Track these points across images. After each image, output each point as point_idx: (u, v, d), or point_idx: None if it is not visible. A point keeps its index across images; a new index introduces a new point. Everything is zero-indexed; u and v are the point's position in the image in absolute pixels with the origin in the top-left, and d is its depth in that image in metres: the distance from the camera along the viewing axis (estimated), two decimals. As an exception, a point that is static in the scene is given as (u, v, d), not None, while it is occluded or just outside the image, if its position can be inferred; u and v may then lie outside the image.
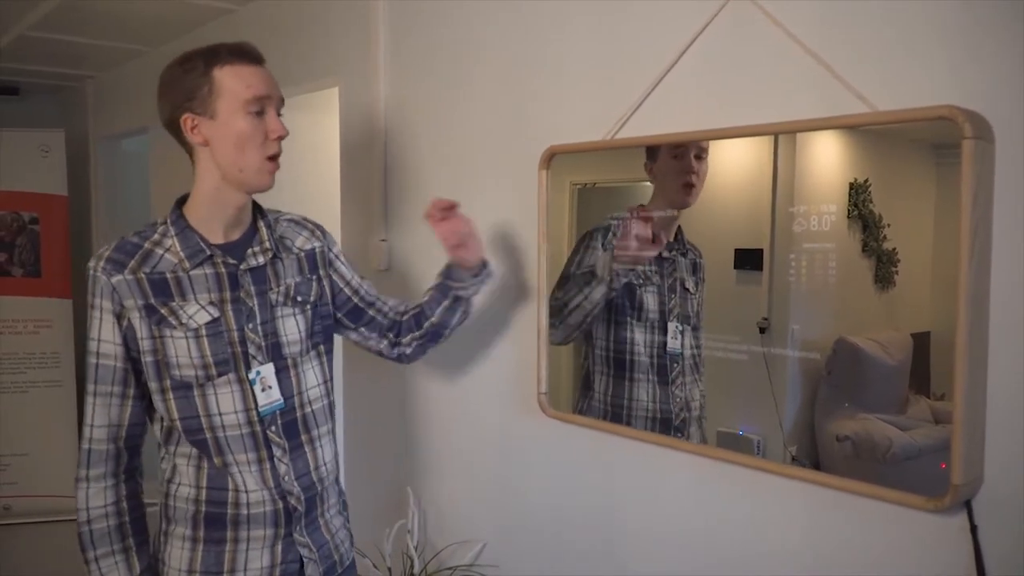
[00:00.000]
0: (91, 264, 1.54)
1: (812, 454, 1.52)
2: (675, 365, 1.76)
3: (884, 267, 1.41)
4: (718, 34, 1.58)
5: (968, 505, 1.27)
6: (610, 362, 1.85)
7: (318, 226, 1.78)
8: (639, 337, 1.80)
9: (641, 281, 1.79)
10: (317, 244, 1.74)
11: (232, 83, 1.50)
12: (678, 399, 1.76)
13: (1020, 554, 1.24)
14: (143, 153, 4.45)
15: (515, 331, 2.09)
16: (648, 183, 1.79)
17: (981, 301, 1.24)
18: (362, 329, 1.84)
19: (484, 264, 1.84)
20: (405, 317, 1.86)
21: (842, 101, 1.37)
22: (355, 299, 1.81)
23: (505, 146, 2.09)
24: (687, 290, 1.76)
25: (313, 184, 3.14)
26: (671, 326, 1.75)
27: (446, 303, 1.82)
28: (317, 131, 3.19)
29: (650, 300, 1.78)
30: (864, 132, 1.41)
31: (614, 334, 1.84)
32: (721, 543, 1.66)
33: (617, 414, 1.83)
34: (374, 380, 2.59)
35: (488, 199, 2.15)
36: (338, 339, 2.69)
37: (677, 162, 1.66)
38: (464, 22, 2.20)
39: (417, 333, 1.85)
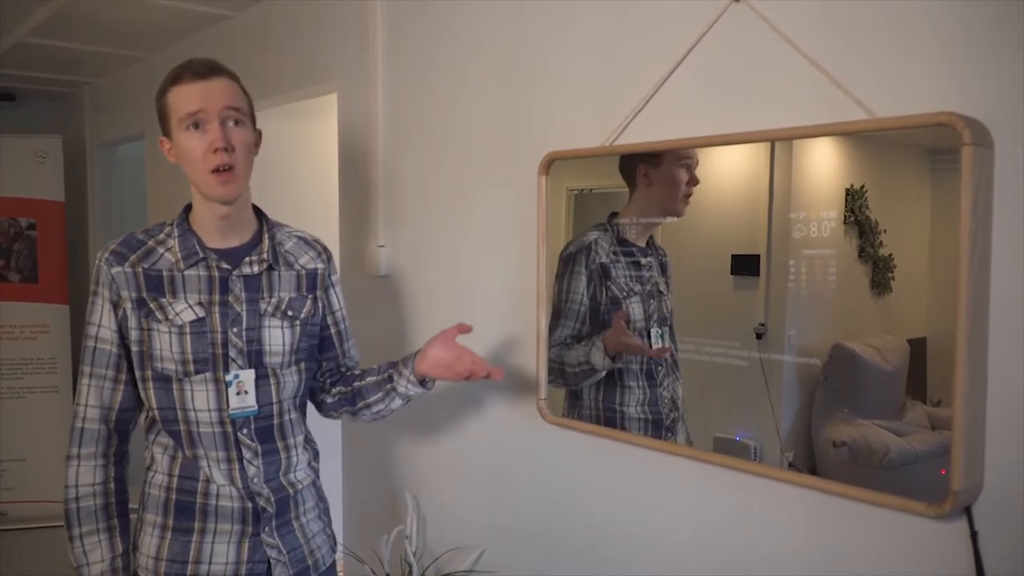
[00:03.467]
0: (98, 255, 1.62)
1: (809, 460, 1.52)
2: (659, 367, 1.78)
3: (880, 273, 1.42)
4: (717, 41, 1.59)
5: (968, 511, 1.27)
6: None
7: (326, 249, 1.83)
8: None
9: (625, 293, 1.81)
10: (320, 266, 1.78)
11: (173, 103, 1.58)
12: (665, 400, 1.78)
13: (1021, 560, 1.24)
14: (140, 159, 4.45)
15: (515, 337, 2.09)
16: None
17: (980, 306, 1.24)
18: (322, 362, 1.85)
19: (432, 381, 1.82)
20: (347, 371, 1.89)
21: (841, 107, 1.38)
22: (331, 330, 1.83)
23: (504, 152, 2.09)
24: (661, 292, 1.78)
25: (311, 190, 3.14)
26: (654, 332, 1.77)
27: (381, 378, 1.81)
28: (315, 137, 3.19)
29: (635, 310, 1.80)
30: (860, 138, 1.41)
31: None
32: (719, 549, 1.66)
33: (610, 419, 1.83)
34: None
35: (487, 205, 2.16)
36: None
37: (685, 173, 1.67)
38: (462, 28, 2.20)
39: (343, 388, 1.85)
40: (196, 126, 1.56)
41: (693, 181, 1.66)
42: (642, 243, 1.79)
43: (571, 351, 1.90)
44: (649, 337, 1.78)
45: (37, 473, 4.51)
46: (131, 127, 4.38)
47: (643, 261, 1.79)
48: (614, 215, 1.82)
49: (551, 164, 1.88)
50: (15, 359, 4.58)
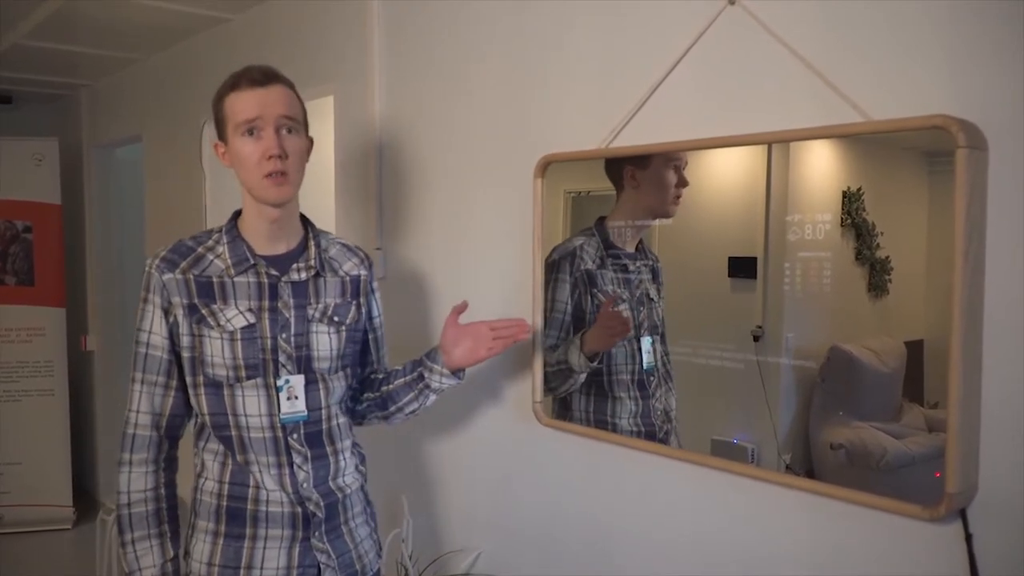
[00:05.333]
0: (148, 261, 1.64)
1: (806, 462, 1.52)
2: (651, 378, 1.77)
3: (877, 275, 1.42)
4: (713, 43, 1.59)
5: (963, 514, 1.27)
6: (589, 383, 1.85)
7: (368, 257, 1.84)
8: (617, 356, 1.80)
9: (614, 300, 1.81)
10: (364, 272, 1.80)
11: (231, 109, 1.60)
12: (658, 412, 1.77)
13: (1015, 563, 1.24)
14: (137, 161, 4.44)
15: (510, 339, 2.08)
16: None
17: (975, 309, 1.24)
18: (357, 368, 1.85)
19: (463, 369, 1.83)
20: (374, 376, 1.89)
21: (836, 110, 1.38)
22: (369, 336, 1.85)
23: (500, 155, 2.09)
24: (651, 299, 1.77)
25: (308, 192, 3.13)
26: (644, 341, 1.76)
27: (411, 379, 1.82)
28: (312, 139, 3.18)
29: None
30: (857, 140, 1.42)
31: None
32: (716, 551, 1.65)
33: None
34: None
35: (484, 207, 2.16)
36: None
37: (673, 173, 1.67)
38: (460, 31, 2.20)
39: (372, 394, 1.87)
40: (251, 133, 1.58)
41: (682, 182, 1.65)
42: (631, 248, 1.78)
43: (554, 354, 1.90)
44: (639, 347, 1.78)
45: (33, 477, 4.51)
46: (129, 129, 4.37)
47: (632, 267, 1.78)
48: (602, 219, 1.81)
49: (547, 166, 1.88)
50: (11, 362, 4.57)
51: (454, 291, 2.28)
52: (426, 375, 1.80)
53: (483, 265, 2.18)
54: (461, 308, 1.82)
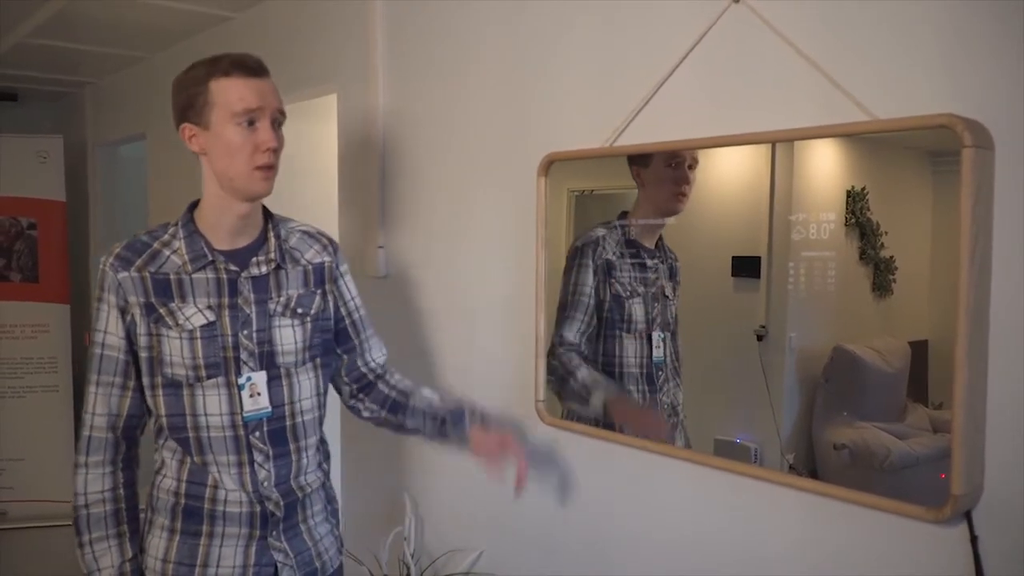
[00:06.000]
0: (102, 259, 1.60)
1: (809, 462, 1.52)
2: (660, 372, 1.77)
3: (882, 275, 1.41)
4: (717, 42, 1.59)
5: (968, 515, 1.26)
6: (601, 374, 1.85)
7: (331, 241, 1.79)
8: (628, 348, 1.80)
9: (628, 293, 1.80)
10: (327, 259, 1.75)
11: (225, 95, 1.54)
12: (665, 406, 1.77)
13: (1021, 565, 1.24)
14: (141, 159, 4.45)
15: (513, 339, 2.08)
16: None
17: (981, 309, 1.24)
18: (342, 355, 1.82)
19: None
20: (387, 389, 1.84)
21: (841, 109, 1.37)
22: (345, 321, 1.80)
23: (504, 153, 2.09)
24: (667, 297, 1.77)
25: (311, 190, 3.13)
26: (655, 336, 1.76)
27: (435, 420, 1.78)
28: (315, 138, 3.18)
29: (637, 311, 1.79)
30: (861, 140, 1.41)
31: (603, 347, 1.84)
32: (718, 551, 1.65)
33: (609, 423, 1.83)
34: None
35: (487, 206, 2.15)
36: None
37: (672, 171, 1.67)
38: (463, 29, 2.20)
39: (383, 413, 1.83)
40: (251, 123, 1.54)
41: (684, 179, 1.65)
42: (650, 244, 1.77)
43: (581, 369, 1.89)
44: (650, 341, 1.77)
45: (37, 472, 4.51)
46: (133, 127, 4.38)
47: (649, 263, 1.78)
48: (624, 214, 1.81)
49: (550, 165, 1.87)
50: (15, 358, 4.57)
51: (456, 289, 2.27)
52: (449, 431, 1.75)
53: (485, 263, 2.17)
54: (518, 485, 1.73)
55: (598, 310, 1.85)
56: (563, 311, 1.90)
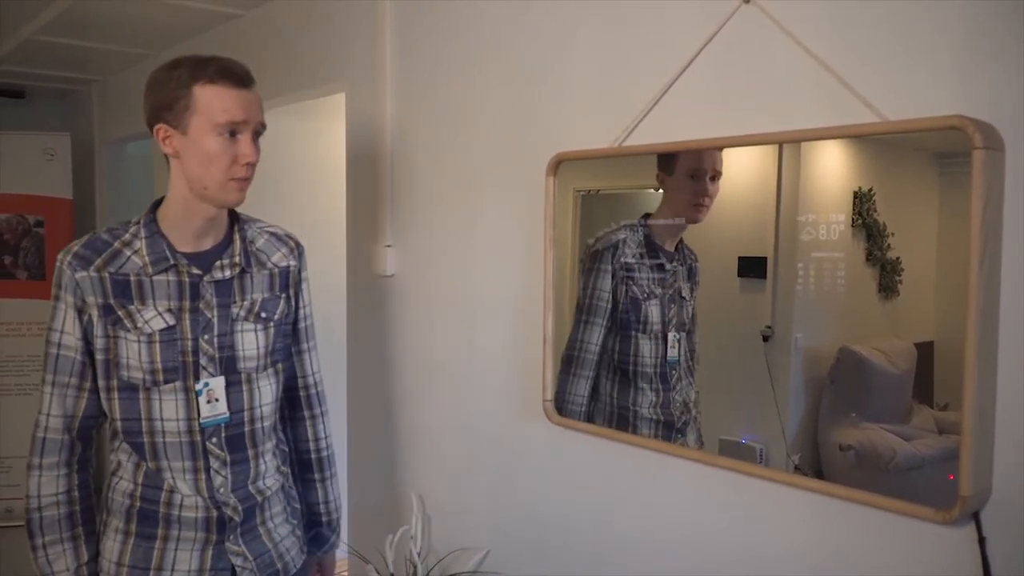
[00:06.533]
0: (59, 256, 1.56)
1: (815, 463, 1.52)
2: (674, 371, 1.77)
3: (888, 276, 1.41)
4: (727, 42, 1.59)
5: (976, 517, 1.26)
6: (616, 371, 1.86)
7: (298, 244, 1.77)
8: (644, 348, 1.81)
9: (646, 295, 1.80)
10: (292, 263, 1.73)
11: (209, 103, 1.50)
12: (678, 403, 1.78)
13: (1025, 565, 1.24)
14: (148, 157, 4.46)
15: (521, 338, 2.09)
16: (652, 191, 1.79)
17: (991, 311, 1.24)
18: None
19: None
20: (312, 443, 1.86)
21: (850, 110, 1.38)
22: (295, 327, 1.78)
23: (512, 152, 2.09)
24: (683, 298, 1.77)
25: (319, 189, 3.14)
26: (671, 336, 1.77)
27: (308, 515, 1.87)
28: (323, 137, 3.20)
29: (654, 312, 1.79)
30: (868, 140, 1.41)
31: (619, 346, 1.84)
32: (722, 551, 1.65)
33: (623, 418, 1.83)
34: (379, 385, 2.59)
35: (495, 205, 2.16)
36: (340, 337, 2.67)
37: (693, 183, 1.67)
38: (471, 29, 2.20)
39: (292, 455, 1.86)
40: (232, 134, 1.52)
41: (704, 191, 1.65)
42: (670, 247, 1.78)
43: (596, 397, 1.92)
44: (665, 341, 1.78)
45: (43, 470, 4.53)
46: (140, 125, 4.30)
47: (668, 265, 1.78)
48: (647, 216, 1.81)
49: (559, 165, 1.88)
50: (21, 355, 4.58)
51: (463, 288, 2.28)
52: (305, 533, 1.84)
53: (493, 263, 2.18)
54: None
55: (613, 311, 1.86)
56: (581, 313, 1.91)
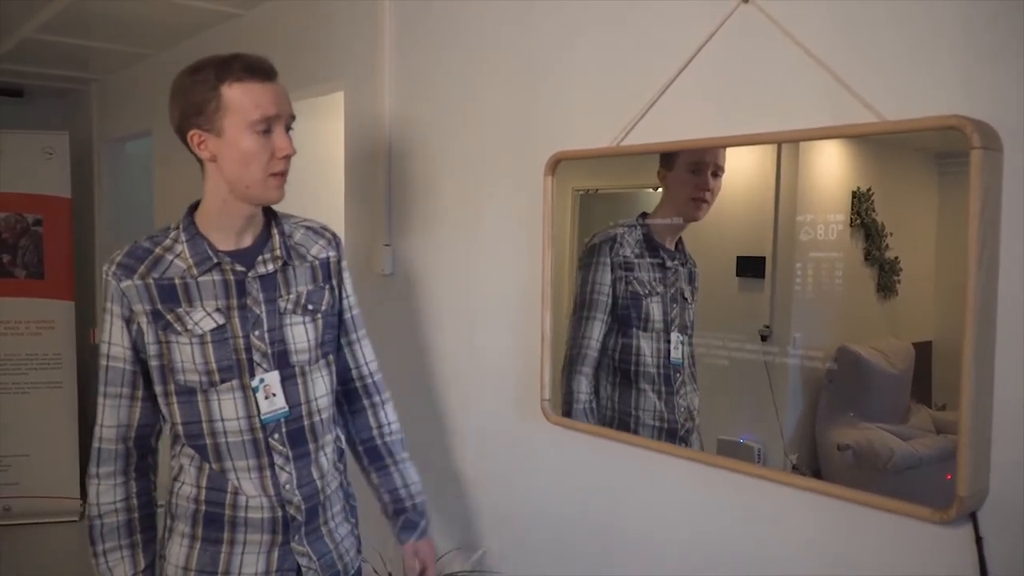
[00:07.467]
0: (104, 268, 1.56)
1: (813, 463, 1.52)
2: (678, 375, 1.77)
3: (886, 276, 1.41)
4: (726, 42, 1.59)
5: (974, 517, 1.26)
6: (616, 372, 1.85)
7: (335, 236, 1.77)
8: (645, 347, 1.80)
9: (647, 291, 1.80)
10: (332, 253, 1.72)
11: (240, 102, 1.49)
12: (682, 409, 1.77)
13: None
14: (147, 156, 4.46)
15: (519, 337, 2.09)
16: (650, 190, 1.79)
17: (988, 311, 1.24)
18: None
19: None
20: (376, 432, 1.82)
21: (849, 110, 1.38)
22: (342, 317, 1.77)
23: (511, 152, 2.10)
24: (685, 299, 1.76)
25: (318, 188, 3.14)
26: (674, 336, 1.76)
27: (390, 503, 1.82)
28: (322, 135, 3.19)
29: (655, 310, 1.79)
30: (867, 140, 1.41)
31: (620, 344, 1.84)
32: (721, 551, 1.65)
33: (625, 423, 1.82)
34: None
35: (493, 204, 2.16)
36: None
37: (693, 177, 1.66)
38: (471, 27, 2.21)
39: (359, 447, 1.83)
40: (267, 131, 1.51)
41: (705, 186, 1.64)
42: (670, 245, 1.77)
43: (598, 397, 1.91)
44: (668, 342, 1.77)
45: (41, 468, 4.52)
46: (139, 124, 4.38)
47: (669, 264, 1.77)
48: (644, 215, 1.81)
49: (557, 164, 1.88)
50: (20, 355, 4.58)
51: (462, 287, 2.28)
52: (389, 514, 1.81)
53: (492, 262, 2.18)
54: None
55: (613, 307, 1.85)
56: (581, 310, 1.90)
